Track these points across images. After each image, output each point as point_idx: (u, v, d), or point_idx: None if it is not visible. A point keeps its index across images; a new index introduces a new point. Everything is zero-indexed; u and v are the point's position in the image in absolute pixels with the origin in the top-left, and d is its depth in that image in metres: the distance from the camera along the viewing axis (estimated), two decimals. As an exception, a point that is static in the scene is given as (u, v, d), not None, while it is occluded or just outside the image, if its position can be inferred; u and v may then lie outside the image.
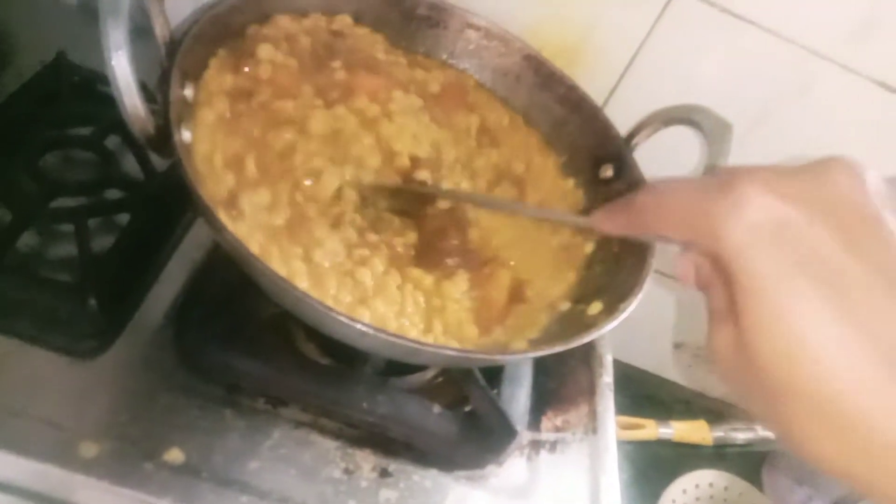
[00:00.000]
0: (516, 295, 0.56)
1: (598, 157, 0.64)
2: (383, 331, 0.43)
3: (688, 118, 0.59)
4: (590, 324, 0.51)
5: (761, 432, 0.98)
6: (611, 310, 0.52)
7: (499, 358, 0.49)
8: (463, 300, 0.54)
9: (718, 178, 0.31)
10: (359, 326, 0.42)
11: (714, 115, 0.57)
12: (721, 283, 0.32)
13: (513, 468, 0.58)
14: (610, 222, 0.40)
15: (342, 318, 0.42)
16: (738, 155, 0.55)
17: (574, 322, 0.54)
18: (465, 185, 0.61)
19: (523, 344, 0.52)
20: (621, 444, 0.89)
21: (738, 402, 0.31)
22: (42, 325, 0.51)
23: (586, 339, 0.49)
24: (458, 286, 0.54)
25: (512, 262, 0.58)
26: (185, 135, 0.49)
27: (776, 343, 0.28)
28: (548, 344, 0.50)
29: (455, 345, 0.51)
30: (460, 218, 0.59)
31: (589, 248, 0.59)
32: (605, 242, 0.59)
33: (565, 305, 0.57)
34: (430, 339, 0.51)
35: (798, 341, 0.28)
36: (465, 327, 0.53)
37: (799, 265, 0.28)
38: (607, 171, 0.63)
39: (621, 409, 0.93)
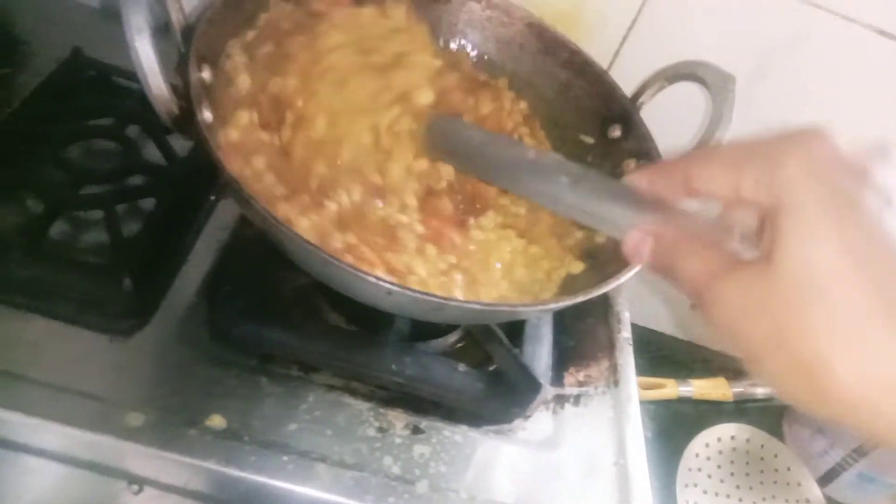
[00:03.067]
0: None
1: (606, 118, 0.65)
2: (408, 288, 0.45)
3: (691, 74, 0.60)
4: (606, 277, 0.53)
5: (780, 386, 1.00)
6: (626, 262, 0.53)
7: (521, 310, 0.51)
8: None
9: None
10: (384, 285, 0.44)
11: (716, 68, 0.59)
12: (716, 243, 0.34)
13: (539, 422, 0.60)
14: (646, 179, 0.39)
15: (370, 278, 0.44)
16: (741, 110, 0.57)
17: (590, 280, 0.56)
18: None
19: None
20: (643, 404, 0.91)
21: (743, 341, 0.32)
22: (80, 306, 0.53)
23: (605, 289, 0.51)
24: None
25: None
26: (206, 115, 0.51)
27: (803, 274, 0.30)
28: (568, 296, 0.52)
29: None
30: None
31: None
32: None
33: (575, 266, 0.59)
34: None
35: (825, 275, 0.29)
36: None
37: (839, 207, 0.30)
38: (615, 132, 0.65)
39: (641, 370, 0.95)
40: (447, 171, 0.56)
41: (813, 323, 0.30)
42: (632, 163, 0.62)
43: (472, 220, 0.57)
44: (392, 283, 0.44)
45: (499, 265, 0.57)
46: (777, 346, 0.31)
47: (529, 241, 0.59)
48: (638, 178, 0.39)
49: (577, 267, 0.58)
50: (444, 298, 0.46)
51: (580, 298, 0.50)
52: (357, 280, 0.44)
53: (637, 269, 0.52)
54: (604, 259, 0.58)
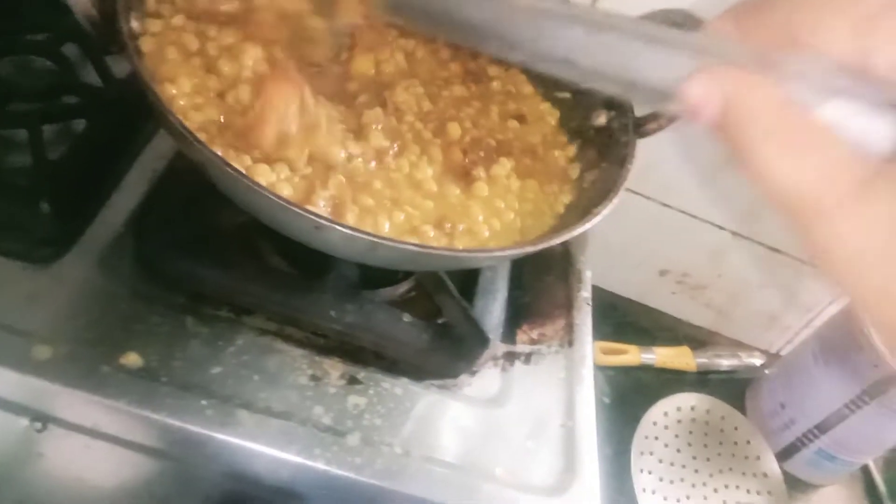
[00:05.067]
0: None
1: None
2: (338, 223, 0.41)
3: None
4: (561, 227, 0.50)
5: (745, 359, 0.98)
6: (584, 213, 0.50)
7: (463, 256, 0.47)
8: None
9: None
10: (312, 217, 0.40)
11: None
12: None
13: (486, 378, 0.57)
14: (733, 21, 0.28)
15: (296, 209, 0.40)
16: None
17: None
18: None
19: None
20: (603, 369, 0.89)
21: (852, 288, 0.23)
22: (-6, 229, 0.49)
23: (556, 240, 0.47)
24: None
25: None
26: (135, 24, 0.46)
27: None
28: (519, 244, 0.49)
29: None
30: None
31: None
32: (583, 150, 0.58)
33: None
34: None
35: None
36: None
37: None
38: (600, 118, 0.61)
39: (604, 336, 0.93)
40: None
41: None
42: (602, 114, 0.59)
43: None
44: (321, 217, 0.40)
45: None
46: None
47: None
48: (722, 21, 0.28)
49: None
50: (376, 237, 0.42)
51: (535, 247, 0.47)
52: (283, 211, 0.41)
53: (595, 220, 0.48)
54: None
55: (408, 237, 0.48)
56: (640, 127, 0.54)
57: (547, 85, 0.62)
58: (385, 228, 0.48)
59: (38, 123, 0.54)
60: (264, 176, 0.45)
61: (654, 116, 0.53)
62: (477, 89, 0.60)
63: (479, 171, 0.52)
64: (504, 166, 0.53)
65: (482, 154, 0.53)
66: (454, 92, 0.58)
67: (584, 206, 0.51)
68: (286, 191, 0.46)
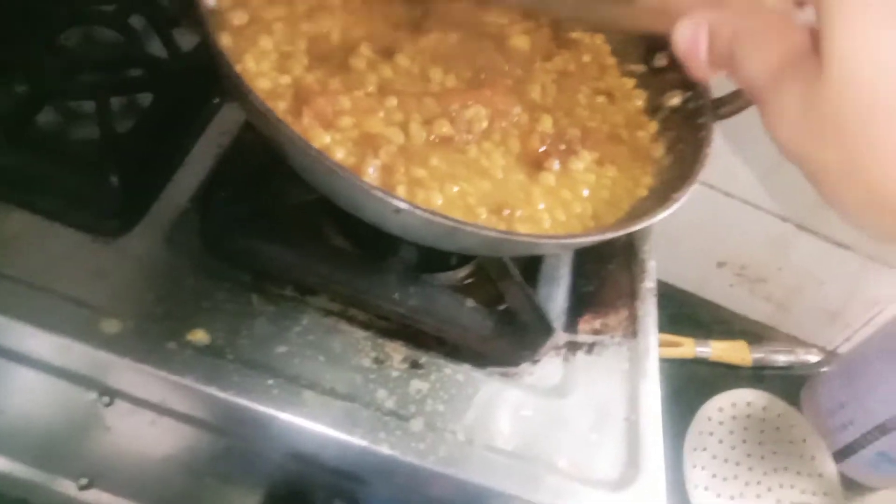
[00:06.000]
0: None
1: (651, 46, 0.59)
2: (420, 207, 0.40)
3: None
4: (639, 215, 0.48)
5: (802, 355, 0.95)
6: (662, 199, 0.48)
7: (542, 242, 0.46)
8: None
9: None
10: (394, 202, 0.39)
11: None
12: (780, 31, 0.27)
13: (548, 367, 0.55)
14: None
15: (377, 193, 0.39)
16: None
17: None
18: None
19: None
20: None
21: (814, 166, 0.27)
22: (64, 202, 0.49)
23: (635, 227, 0.46)
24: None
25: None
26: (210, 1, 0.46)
27: (865, 71, 0.23)
28: (592, 231, 0.47)
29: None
30: None
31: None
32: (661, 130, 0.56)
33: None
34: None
35: (886, 70, 0.23)
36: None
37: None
38: (661, 60, 0.58)
39: (659, 327, 0.91)
40: None
41: (890, 145, 0.23)
42: (677, 94, 0.56)
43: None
44: (402, 200, 0.39)
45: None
46: (850, 175, 0.25)
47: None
48: None
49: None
50: (459, 222, 0.41)
51: (606, 235, 0.45)
52: (363, 194, 0.40)
53: (674, 207, 0.47)
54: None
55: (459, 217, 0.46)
56: (719, 109, 0.52)
57: (621, 55, 0.60)
58: (437, 203, 0.46)
59: (105, 95, 0.53)
60: (318, 139, 0.44)
61: (733, 97, 0.51)
62: (566, 60, 0.58)
63: (552, 163, 0.50)
64: (584, 160, 0.50)
65: (563, 147, 0.50)
66: (548, 66, 0.56)
67: (661, 192, 0.49)
68: (339, 154, 0.44)
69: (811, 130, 0.25)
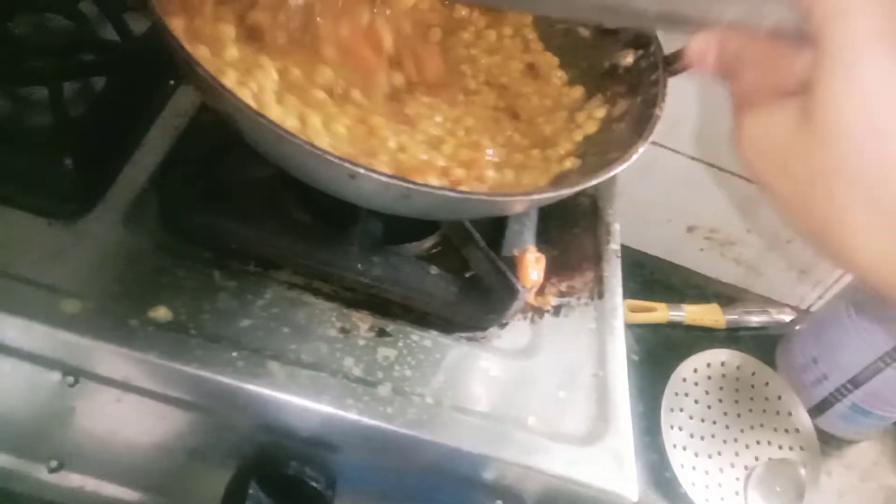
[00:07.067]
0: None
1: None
2: (374, 170, 0.40)
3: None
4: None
5: (775, 315, 0.96)
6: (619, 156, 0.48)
7: (500, 200, 0.46)
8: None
9: None
10: (347, 165, 0.39)
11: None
12: (775, 60, 0.30)
13: (516, 330, 0.56)
14: None
15: (330, 158, 0.39)
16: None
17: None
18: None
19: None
20: (632, 327, 0.88)
21: (770, 191, 0.29)
22: (17, 186, 0.49)
23: (594, 181, 0.46)
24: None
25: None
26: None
27: (850, 115, 0.25)
28: (554, 188, 0.47)
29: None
30: None
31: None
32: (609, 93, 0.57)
33: (570, 162, 0.54)
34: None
35: (873, 115, 0.25)
36: None
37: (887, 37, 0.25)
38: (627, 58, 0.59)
39: (632, 294, 0.92)
40: None
41: (839, 189, 0.25)
42: (629, 53, 0.57)
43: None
44: (355, 164, 0.39)
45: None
46: (801, 209, 0.27)
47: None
48: None
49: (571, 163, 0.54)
50: (414, 183, 0.41)
51: (568, 190, 0.46)
52: (317, 160, 0.40)
53: (626, 164, 0.47)
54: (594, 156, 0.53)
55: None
56: (671, 65, 0.53)
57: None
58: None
59: (57, 80, 0.53)
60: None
61: (683, 53, 0.52)
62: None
63: None
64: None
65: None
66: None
67: (616, 152, 0.50)
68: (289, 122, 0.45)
69: (775, 163, 0.28)
